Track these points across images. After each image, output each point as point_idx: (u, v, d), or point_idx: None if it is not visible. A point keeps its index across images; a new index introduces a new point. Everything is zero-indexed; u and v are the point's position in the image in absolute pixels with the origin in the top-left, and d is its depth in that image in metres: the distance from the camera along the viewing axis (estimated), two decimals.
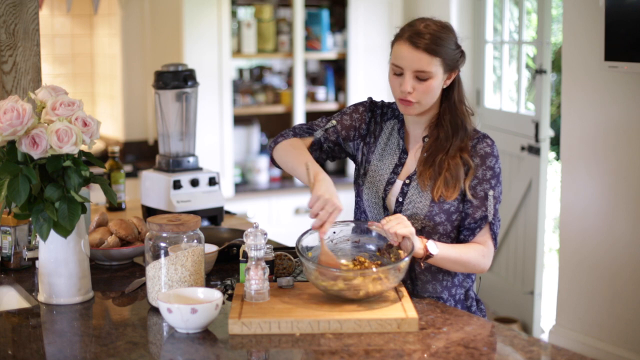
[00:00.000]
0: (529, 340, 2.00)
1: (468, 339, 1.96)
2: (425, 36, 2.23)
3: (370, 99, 2.49)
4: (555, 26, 5.57)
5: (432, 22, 2.27)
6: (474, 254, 2.29)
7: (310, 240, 2.21)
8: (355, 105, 2.48)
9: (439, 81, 2.26)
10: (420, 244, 2.20)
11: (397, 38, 2.28)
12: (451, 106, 2.33)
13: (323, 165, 2.40)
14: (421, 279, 2.35)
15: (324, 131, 2.45)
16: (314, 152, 2.43)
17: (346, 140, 2.44)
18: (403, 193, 2.33)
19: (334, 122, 2.45)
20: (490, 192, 2.29)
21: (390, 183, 2.36)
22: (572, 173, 4.25)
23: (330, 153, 2.47)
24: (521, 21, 4.82)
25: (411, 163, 2.37)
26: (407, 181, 2.33)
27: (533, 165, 4.65)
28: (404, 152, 2.38)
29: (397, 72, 2.27)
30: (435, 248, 2.22)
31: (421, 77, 2.24)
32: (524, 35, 4.82)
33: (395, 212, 2.33)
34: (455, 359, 1.85)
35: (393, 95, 2.32)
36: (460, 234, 2.33)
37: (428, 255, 2.21)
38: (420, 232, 2.30)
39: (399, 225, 2.15)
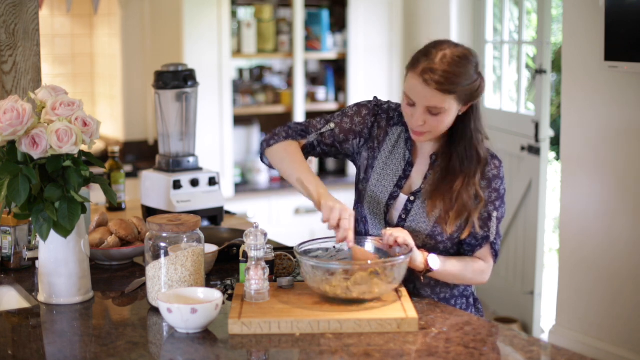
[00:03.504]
0: (529, 340, 1.99)
1: (468, 339, 1.96)
2: (438, 73, 2.10)
3: (375, 99, 2.39)
4: (555, 26, 5.57)
5: (450, 52, 2.12)
6: (473, 268, 2.27)
7: (308, 246, 2.23)
8: (359, 106, 2.38)
9: (452, 114, 2.17)
10: (421, 258, 2.18)
11: (411, 67, 2.16)
12: (466, 133, 2.22)
13: (321, 160, 2.38)
14: (422, 294, 2.32)
15: (319, 134, 2.37)
16: (305, 154, 2.37)
17: (344, 142, 2.36)
18: (407, 210, 2.29)
19: (332, 125, 2.36)
20: (494, 214, 2.26)
21: (393, 197, 2.30)
22: (572, 173, 4.25)
23: (324, 154, 2.42)
24: (521, 21, 4.82)
25: (416, 177, 2.31)
26: (412, 198, 2.28)
27: (533, 165, 4.65)
28: (409, 164, 2.31)
29: (409, 102, 2.18)
30: (436, 263, 2.20)
31: (433, 112, 2.15)
32: (524, 35, 4.82)
33: (397, 227, 2.28)
34: (455, 359, 1.85)
35: (405, 120, 2.24)
36: (460, 247, 2.31)
37: (428, 270, 2.20)
38: (420, 248, 2.27)
39: (399, 233, 2.15)
